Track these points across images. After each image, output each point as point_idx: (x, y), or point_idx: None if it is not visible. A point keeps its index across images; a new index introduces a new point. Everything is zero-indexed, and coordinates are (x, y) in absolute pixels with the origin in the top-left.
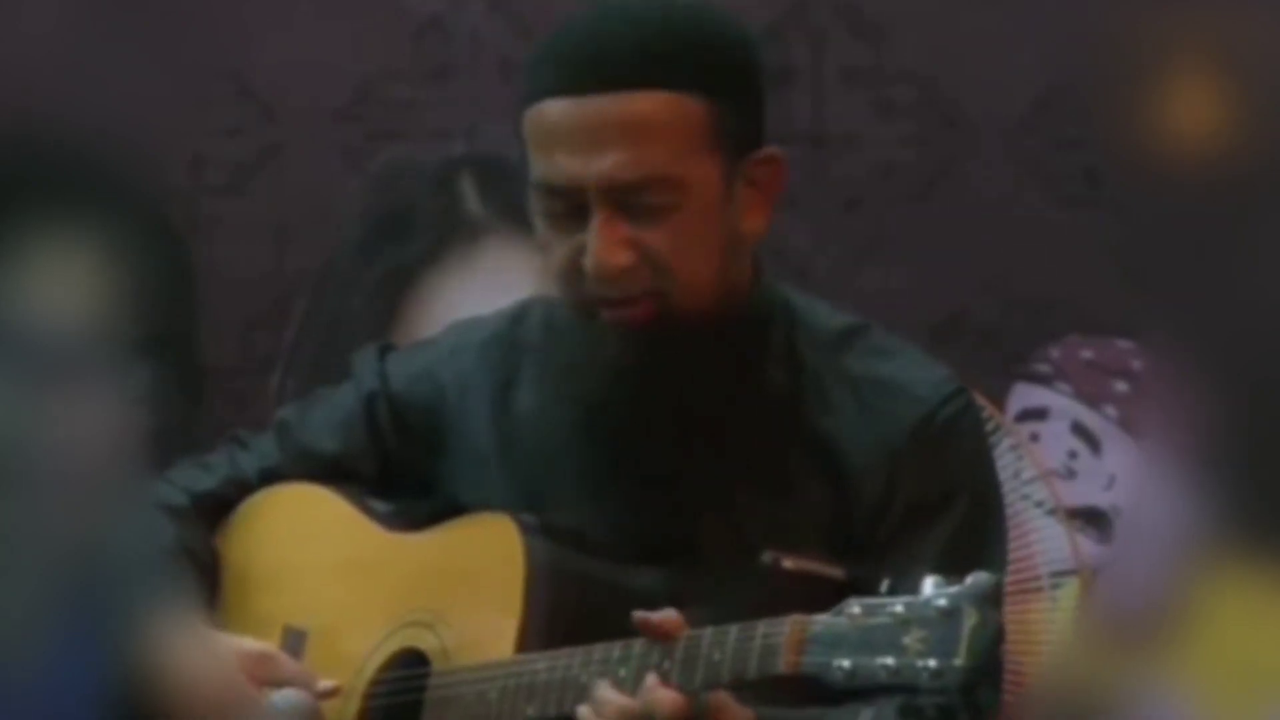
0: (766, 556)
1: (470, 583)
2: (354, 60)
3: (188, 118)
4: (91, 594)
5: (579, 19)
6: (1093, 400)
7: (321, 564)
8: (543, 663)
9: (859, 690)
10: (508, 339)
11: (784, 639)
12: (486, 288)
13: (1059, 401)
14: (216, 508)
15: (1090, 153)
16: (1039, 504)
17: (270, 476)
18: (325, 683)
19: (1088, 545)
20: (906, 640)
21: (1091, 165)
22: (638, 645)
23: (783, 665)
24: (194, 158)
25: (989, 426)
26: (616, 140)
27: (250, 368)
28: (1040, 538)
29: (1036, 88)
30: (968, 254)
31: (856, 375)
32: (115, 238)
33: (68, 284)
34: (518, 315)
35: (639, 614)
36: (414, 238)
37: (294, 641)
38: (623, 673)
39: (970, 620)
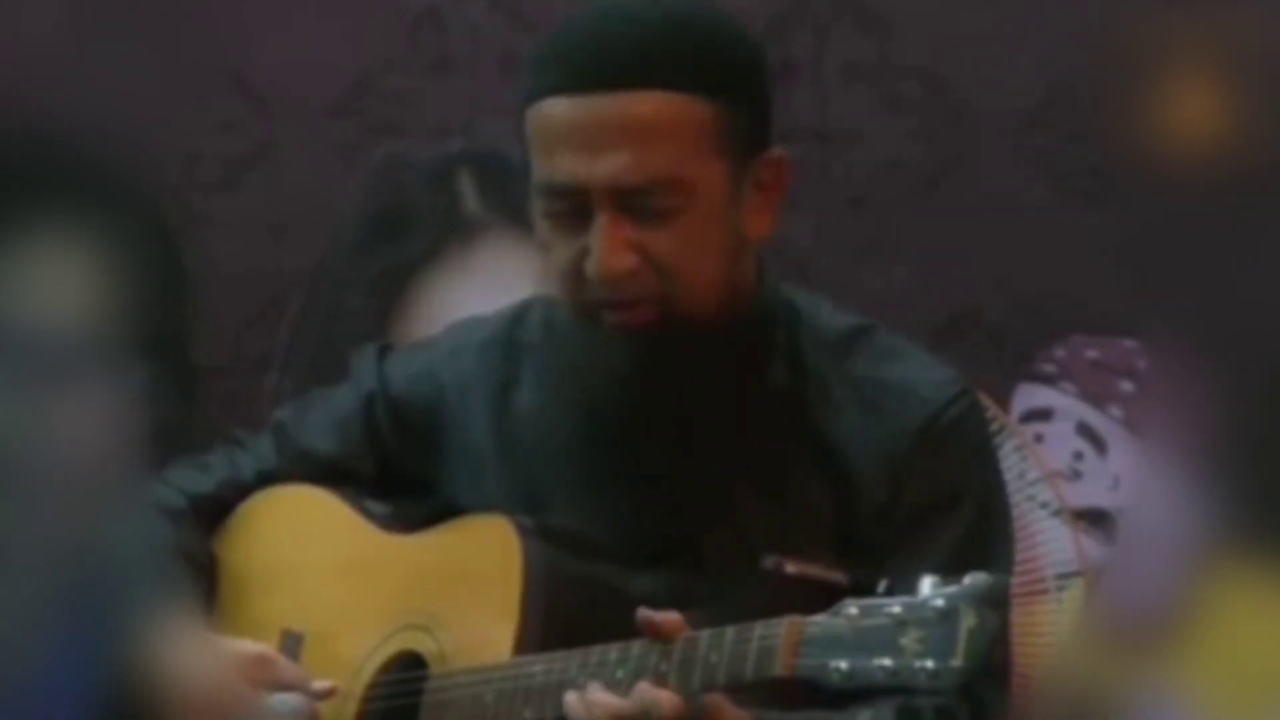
0: (768, 561)
1: (468, 585)
2: (350, 54)
3: (182, 114)
4: (89, 595)
5: (584, 17)
6: (1098, 400)
7: (319, 566)
8: (540, 665)
9: (856, 691)
10: (508, 339)
11: (781, 640)
12: (484, 286)
13: (1064, 402)
14: (214, 509)
15: (1096, 150)
16: (1044, 505)
17: (268, 478)
18: (323, 684)
19: (1093, 546)
20: (904, 641)
21: (1098, 163)
22: (635, 647)
23: (780, 667)
24: (187, 154)
25: (993, 427)
26: (621, 141)
27: (244, 367)
28: (1045, 539)
29: (1043, 84)
30: (973, 252)
31: (861, 376)
32: (111, 237)
33: (64, 283)
34: (518, 315)
35: (643, 612)
36: (411, 235)
37: (291, 644)
38: (620, 675)
39: (968, 621)
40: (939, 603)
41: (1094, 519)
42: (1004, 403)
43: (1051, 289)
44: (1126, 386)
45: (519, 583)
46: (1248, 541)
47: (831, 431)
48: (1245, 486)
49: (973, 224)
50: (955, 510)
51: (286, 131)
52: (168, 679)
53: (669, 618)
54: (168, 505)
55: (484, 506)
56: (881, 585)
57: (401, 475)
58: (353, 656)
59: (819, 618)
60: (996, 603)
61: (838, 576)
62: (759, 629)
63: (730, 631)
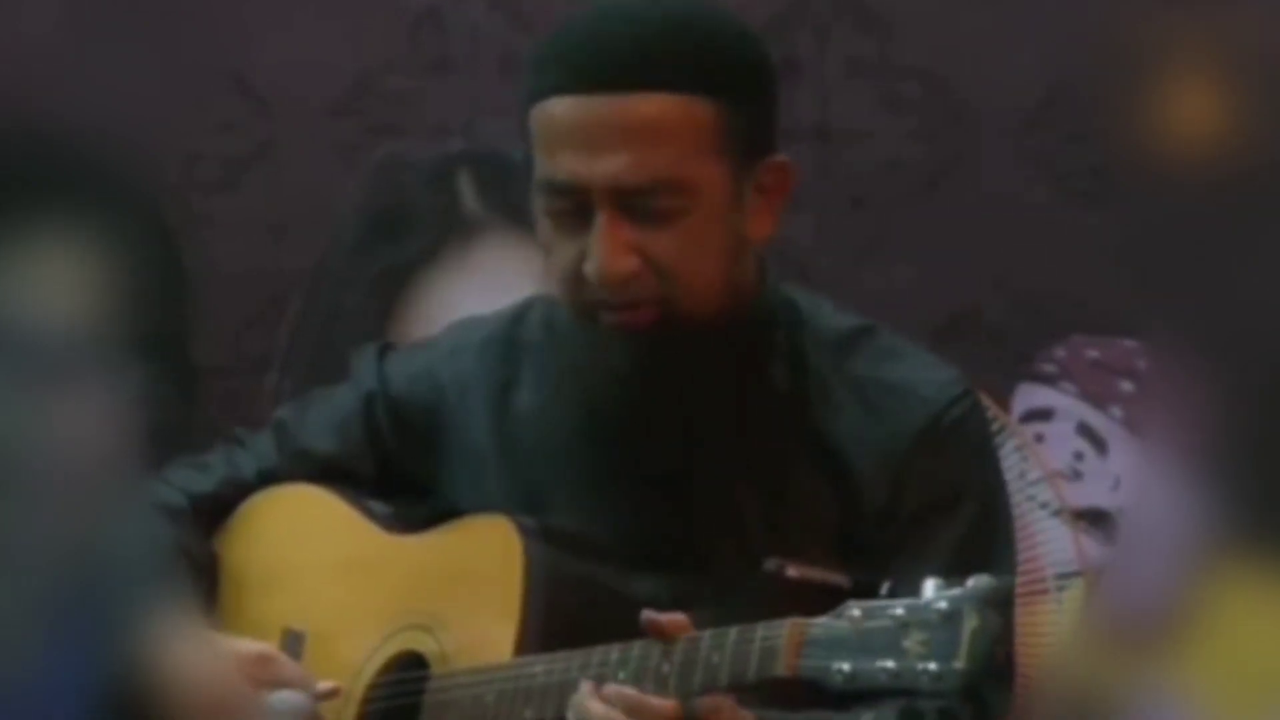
0: (771, 564)
1: (469, 586)
2: (350, 54)
3: (182, 114)
4: (89, 596)
5: (586, 16)
6: (1099, 401)
7: (320, 565)
8: (541, 666)
9: (859, 693)
10: (507, 339)
11: (783, 641)
12: (484, 286)
13: (1064, 402)
14: (215, 509)
15: (1096, 150)
16: (1044, 505)
17: (268, 477)
18: (324, 684)
19: (1093, 547)
20: (907, 643)
21: (1097, 163)
22: (636, 648)
23: (782, 668)
24: (187, 154)
25: (994, 427)
26: (623, 142)
27: (244, 367)
28: (1045, 539)
29: (1043, 84)
30: (973, 252)
31: (862, 377)
32: (111, 237)
33: (64, 283)
34: (518, 315)
35: (647, 613)
36: (411, 235)
37: (292, 643)
38: (621, 676)
39: (971, 623)
40: (942, 605)
41: (1094, 519)
42: (1004, 403)
43: (1052, 289)
44: (1127, 386)
45: (520, 583)
46: (1248, 541)
47: (832, 432)
48: (1245, 486)
49: (973, 224)
50: (956, 511)
51: (286, 131)
52: (168, 679)
53: (674, 619)
54: (168, 504)
55: (484, 507)
56: (884, 587)
57: (401, 475)
58: (353, 656)
59: (822, 619)
60: (999, 604)
61: (839, 579)
62: (761, 630)
63: (732, 632)
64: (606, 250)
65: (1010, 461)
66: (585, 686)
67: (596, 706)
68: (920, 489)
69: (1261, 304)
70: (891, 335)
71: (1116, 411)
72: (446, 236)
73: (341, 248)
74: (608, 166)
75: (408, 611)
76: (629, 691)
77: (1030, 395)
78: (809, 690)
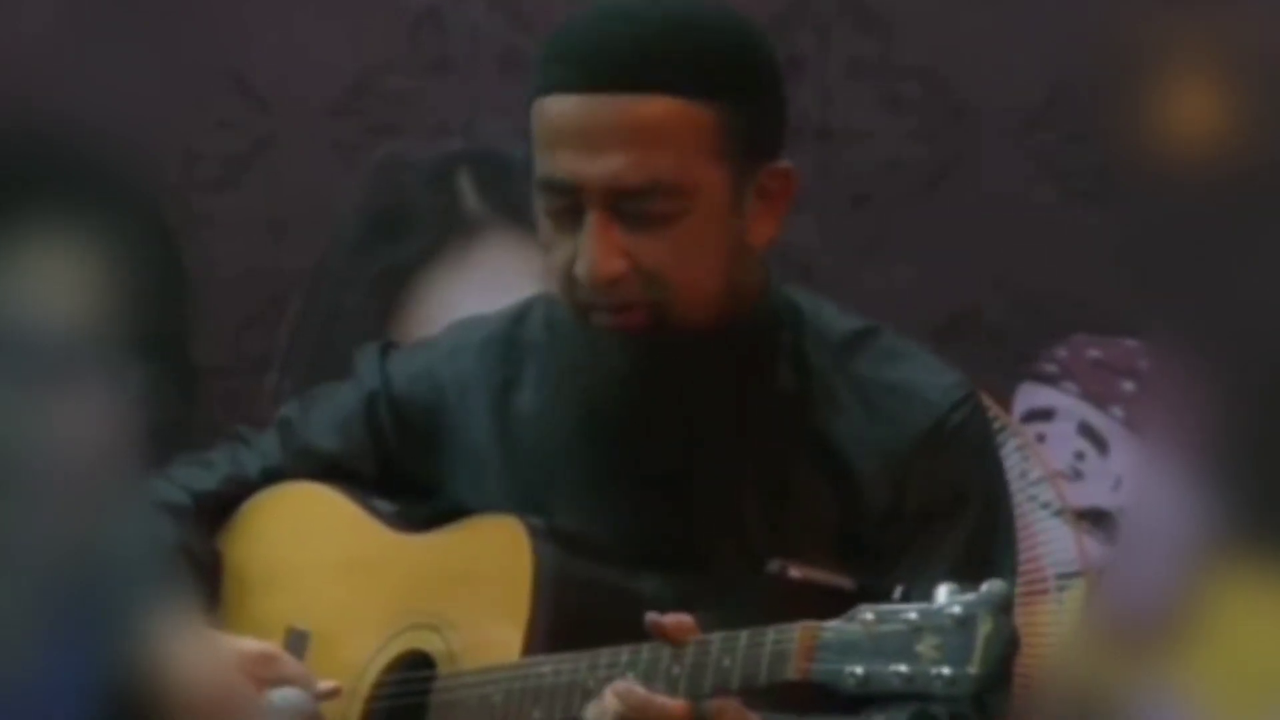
0: (773, 565)
1: (477, 586)
2: (350, 53)
3: (181, 113)
4: (89, 596)
5: (590, 15)
6: (1100, 400)
7: (325, 564)
8: (549, 666)
9: (871, 697)
10: (509, 339)
11: (795, 645)
12: (484, 286)
13: (1065, 402)
14: (218, 506)
15: (1097, 150)
16: (1045, 505)
17: (272, 475)
18: (327, 683)
19: (1094, 547)
20: (920, 647)
21: (1098, 162)
22: (646, 650)
23: (793, 671)
24: (187, 153)
25: (995, 427)
26: (619, 143)
27: (244, 367)
28: (1046, 539)
29: (1044, 84)
30: (974, 252)
31: (865, 378)
32: (111, 237)
33: (64, 283)
34: (520, 314)
35: (651, 616)
36: (411, 235)
37: (297, 642)
38: (631, 677)
39: (984, 628)
40: (956, 610)
41: (1095, 519)
42: (1005, 402)
43: (1053, 288)
44: (1128, 386)
45: (529, 584)
46: (1248, 541)
47: (835, 433)
48: (1245, 486)
49: (974, 223)
50: (959, 515)
51: (286, 131)
52: (170, 677)
53: (678, 621)
54: (171, 502)
55: (485, 507)
56: (897, 592)
57: (403, 475)
58: (358, 656)
59: (833, 623)
60: (1009, 610)
61: (842, 581)
62: (772, 633)
63: (743, 635)
64: (595, 251)
65: (1011, 461)
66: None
67: (610, 701)
68: (923, 492)
69: (1261, 304)
70: (895, 337)
71: (1118, 411)
72: (446, 236)
73: (341, 247)
74: (604, 167)
75: (414, 611)
76: (639, 689)
77: (1031, 395)
78: (819, 694)
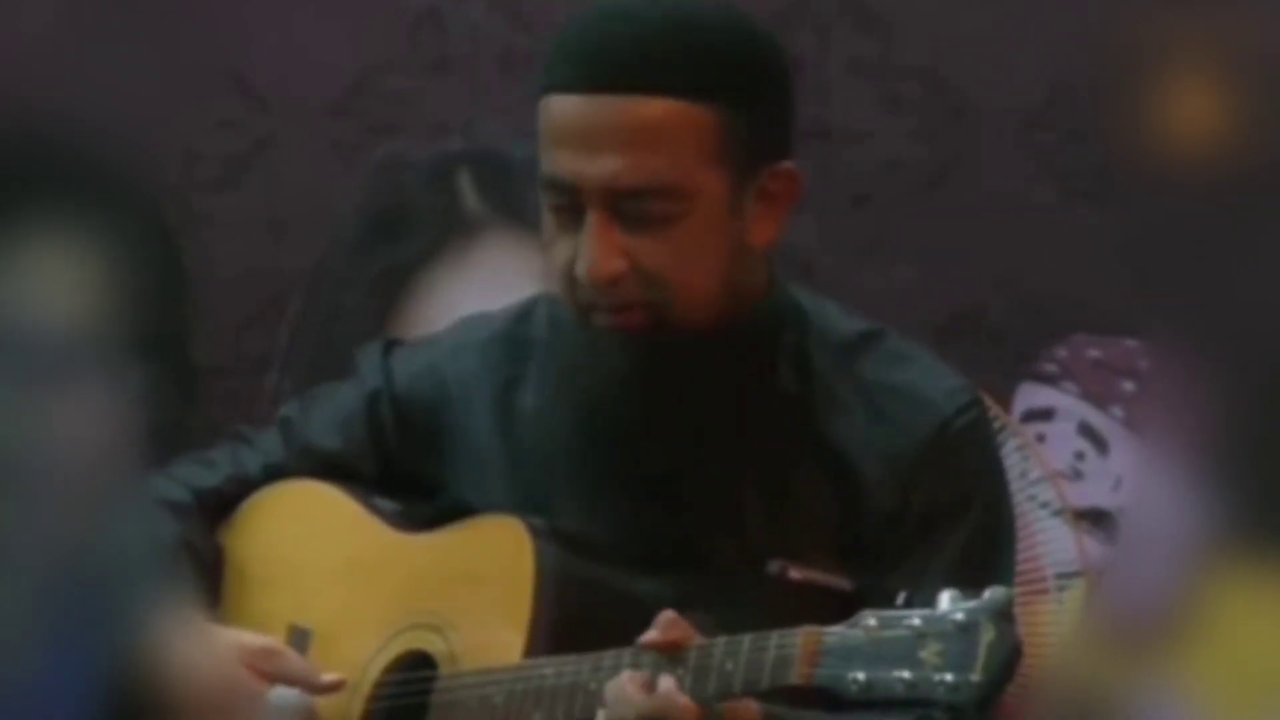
0: (773, 566)
1: (479, 586)
2: (350, 55)
3: (181, 113)
4: (89, 595)
5: (593, 14)
6: (1100, 400)
7: (327, 562)
8: (550, 667)
9: (873, 703)
10: (511, 337)
11: (798, 650)
12: (484, 285)
13: (1065, 402)
14: (220, 504)
15: (1098, 150)
16: (1045, 505)
17: (274, 473)
18: (330, 676)
19: (1094, 547)
20: (923, 654)
21: (1099, 162)
22: (649, 653)
23: (796, 676)
24: (187, 153)
25: (995, 426)
26: (619, 144)
27: (244, 367)
28: (1046, 539)
29: (1044, 83)
30: (974, 252)
31: (869, 381)
32: (111, 237)
33: (64, 283)
34: (522, 313)
35: (647, 638)
36: (411, 234)
37: (300, 640)
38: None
39: (988, 635)
40: (959, 616)
41: (1095, 519)
42: (1005, 402)
43: (1053, 288)
44: (1128, 386)
45: (531, 585)
46: (1248, 541)
47: (837, 435)
48: (1245, 486)
49: (974, 223)
50: (961, 519)
51: (286, 131)
52: (171, 673)
53: (667, 631)
54: (172, 499)
55: (486, 506)
56: (900, 598)
57: (404, 474)
58: (359, 655)
59: (837, 628)
60: (1010, 616)
61: (842, 583)
62: (775, 638)
63: (746, 640)
64: (594, 251)
65: (1011, 461)
66: (625, 675)
67: (637, 694)
68: (927, 495)
69: (1261, 304)
70: (900, 339)
71: (1118, 411)
72: (446, 236)
73: (341, 247)
74: (603, 167)
75: (415, 611)
76: (668, 687)
77: (1031, 395)
78: (821, 699)
